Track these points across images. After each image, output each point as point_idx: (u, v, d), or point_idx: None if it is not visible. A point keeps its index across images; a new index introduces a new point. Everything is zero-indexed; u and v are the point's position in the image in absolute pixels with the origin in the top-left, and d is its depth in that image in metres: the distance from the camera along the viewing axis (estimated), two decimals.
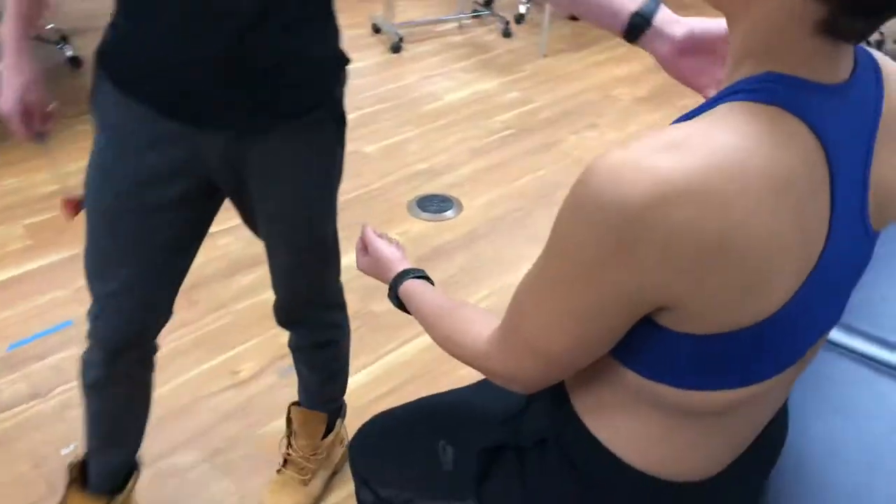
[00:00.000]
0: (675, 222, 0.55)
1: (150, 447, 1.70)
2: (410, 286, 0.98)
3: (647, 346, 0.66)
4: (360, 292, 2.24)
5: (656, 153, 0.56)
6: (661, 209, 0.55)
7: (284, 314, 1.39)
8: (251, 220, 1.23)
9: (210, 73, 0.98)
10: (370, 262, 1.08)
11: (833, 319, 0.72)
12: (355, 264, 1.09)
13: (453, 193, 2.72)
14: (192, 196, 1.12)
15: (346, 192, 2.70)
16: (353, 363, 1.99)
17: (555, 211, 2.64)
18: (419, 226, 2.56)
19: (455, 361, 1.99)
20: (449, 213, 2.62)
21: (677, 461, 0.77)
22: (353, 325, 2.11)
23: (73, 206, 1.23)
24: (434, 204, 2.68)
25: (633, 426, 0.75)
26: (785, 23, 0.58)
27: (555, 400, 0.85)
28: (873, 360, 1.16)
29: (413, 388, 1.92)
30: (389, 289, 1.01)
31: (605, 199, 0.56)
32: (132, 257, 1.12)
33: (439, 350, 2.03)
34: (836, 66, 0.61)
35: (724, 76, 0.66)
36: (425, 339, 2.07)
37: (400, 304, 1.00)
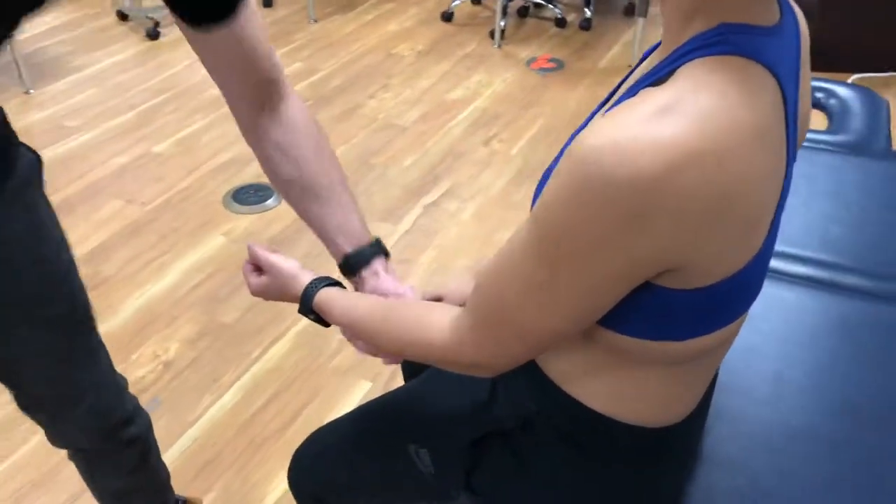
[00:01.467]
0: (683, 186, 0.55)
1: None
2: (327, 295, 0.90)
3: (642, 308, 0.66)
4: (201, 306, 2.07)
5: (652, 122, 0.56)
6: (670, 176, 0.55)
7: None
8: None
9: None
10: (267, 283, 0.97)
11: None
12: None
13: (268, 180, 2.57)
14: None
15: (149, 201, 2.46)
16: (222, 380, 1.84)
17: (377, 176, 2.60)
18: (243, 221, 2.40)
19: (323, 357, 1.91)
20: (270, 202, 2.48)
21: (664, 408, 0.79)
22: (204, 341, 1.96)
23: None
24: (251, 195, 2.52)
25: (621, 385, 0.76)
26: None
27: (529, 377, 0.84)
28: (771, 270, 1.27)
29: (291, 392, 1.82)
30: (301, 303, 0.93)
31: (614, 176, 0.55)
32: None
33: (306, 348, 1.94)
34: (771, 9, 0.64)
35: (663, 42, 0.67)
36: (287, 340, 1.97)
37: (318, 318, 0.92)
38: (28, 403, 1.06)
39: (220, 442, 1.70)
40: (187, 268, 2.19)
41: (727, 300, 0.66)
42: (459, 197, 2.51)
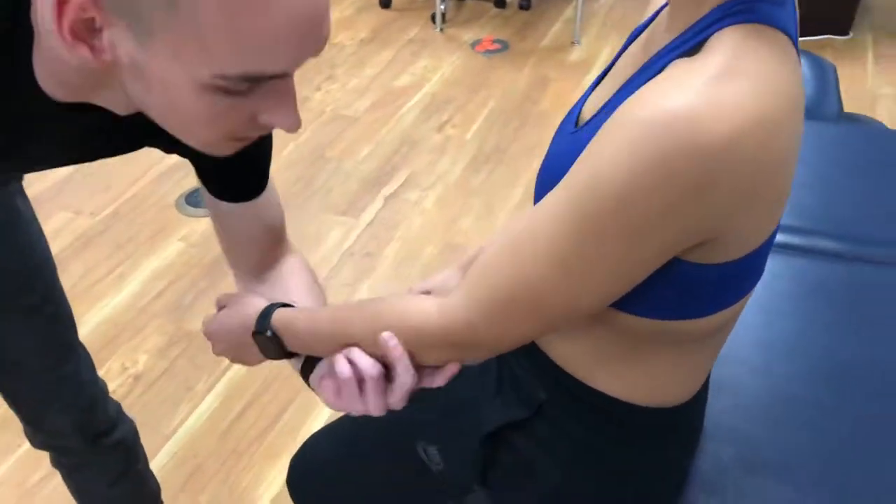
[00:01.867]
0: (748, 152, 0.55)
1: None
2: (284, 316, 0.80)
3: (666, 287, 0.67)
4: (166, 314, 2.01)
5: (715, 87, 0.55)
6: (740, 141, 0.54)
7: None
8: None
9: None
10: (222, 337, 0.87)
11: None
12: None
13: None
14: None
15: (98, 211, 2.38)
16: (196, 388, 1.80)
17: (333, 170, 2.56)
18: (200, 224, 2.34)
19: None
20: None
21: (676, 386, 0.80)
22: (174, 350, 1.91)
23: None
24: None
25: (634, 366, 0.77)
26: None
27: (536, 365, 0.84)
28: None
29: (269, 395, 1.79)
30: (255, 334, 0.81)
31: (688, 145, 0.53)
32: None
33: None
34: None
35: (675, 14, 0.66)
36: None
37: (279, 348, 0.81)
38: (9, 396, 1.05)
39: (201, 452, 1.66)
40: (147, 277, 2.12)
41: (749, 272, 0.67)
42: (419, 185, 2.50)
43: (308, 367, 0.83)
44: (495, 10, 3.72)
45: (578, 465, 0.84)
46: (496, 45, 3.37)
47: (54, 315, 1.02)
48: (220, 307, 0.91)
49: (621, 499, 0.85)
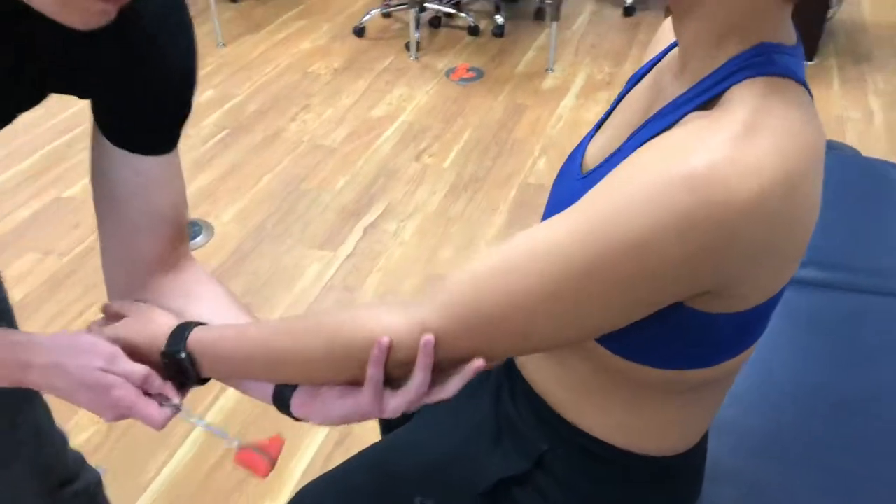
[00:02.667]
0: (770, 210, 0.54)
1: None
2: (205, 335, 0.70)
3: (676, 337, 0.64)
4: None
5: (739, 146, 0.53)
6: (762, 201, 0.53)
7: None
8: None
9: None
10: (122, 324, 0.74)
11: None
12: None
13: (195, 216, 2.47)
14: None
15: (67, 251, 2.32)
16: (172, 434, 1.74)
17: (311, 202, 2.53)
18: None
19: None
20: (199, 240, 2.37)
21: (680, 436, 0.78)
22: None
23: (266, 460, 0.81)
24: None
25: (639, 415, 0.75)
26: None
27: (536, 415, 0.81)
28: None
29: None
30: (165, 355, 0.71)
31: (710, 204, 0.52)
32: None
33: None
34: (793, 29, 0.63)
35: (687, 63, 0.65)
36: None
37: (192, 373, 0.71)
38: None
39: (181, 501, 1.60)
40: None
41: (760, 321, 0.65)
42: (398, 216, 2.47)
43: (281, 396, 0.74)
44: (469, 38, 3.73)
45: None
46: (471, 74, 3.37)
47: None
48: (112, 315, 0.77)
49: None
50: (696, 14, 0.62)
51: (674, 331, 0.64)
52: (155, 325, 0.73)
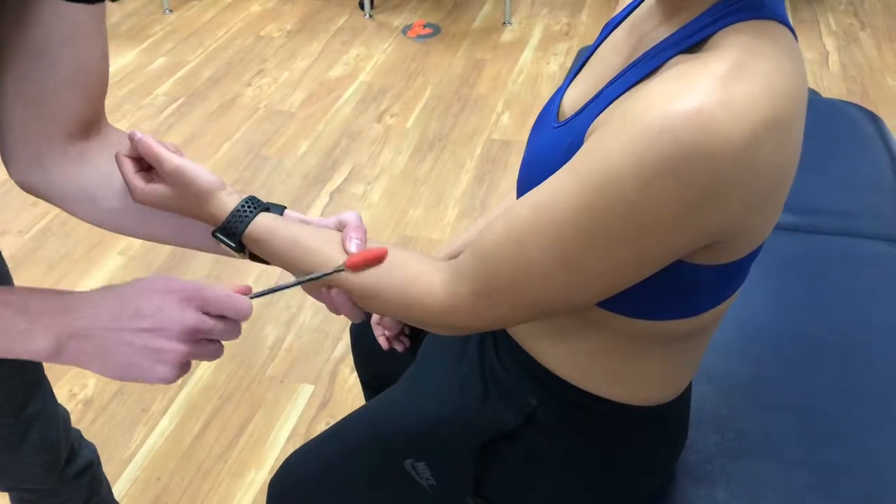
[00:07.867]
0: (764, 154, 0.53)
1: None
2: (268, 225, 0.72)
3: (664, 289, 0.65)
4: None
5: (730, 86, 0.52)
6: (755, 144, 0.53)
7: None
8: None
9: None
10: (167, 194, 0.73)
11: None
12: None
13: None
14: None
15: (26, 228, 2.26)
16: (151, 409, 1.73)
17: (273, 169, 2.49)
18: None
19: (256, 367, 1.83)
20: None
21: (667, 385, 0.79)
22: None
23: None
24: None
25: (625, 367, 0.76)
26: None
27: (524, 370, 0.82)
28: None
29: (230, 409, 1.74)
30: (224, 228, 0.72)
31: (702, 149, 0.51)
32: None
33: (236, 361, 1.85)
34: None
35: (673, 7, 0.64)
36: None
37: (238, 246, 0.73)
38: None
39: (163, 475, 1.60)
40: None
41: (745, 269, 0.66)
42: (364, 179, 2.45)
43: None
44: None
45: (572, 470, 0.82)
46: (427, 30, 3.33)
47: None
48: (134, 159, 0.73)
49: (616, 498, 0.84)
50: None
51: (660, 282, 0.64)
52: (198, 210, 0.73)
